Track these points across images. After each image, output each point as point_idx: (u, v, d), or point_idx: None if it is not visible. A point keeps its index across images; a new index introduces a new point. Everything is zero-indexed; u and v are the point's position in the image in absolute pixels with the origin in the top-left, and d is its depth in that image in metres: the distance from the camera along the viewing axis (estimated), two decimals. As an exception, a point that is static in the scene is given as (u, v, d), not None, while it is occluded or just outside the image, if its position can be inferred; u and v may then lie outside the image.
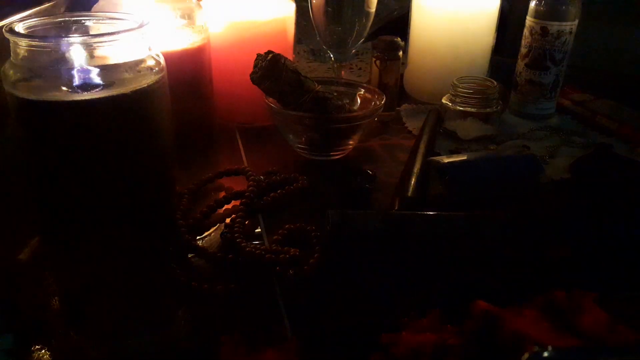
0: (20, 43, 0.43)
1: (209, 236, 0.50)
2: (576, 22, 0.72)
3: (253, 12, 0.67)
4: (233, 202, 0.55)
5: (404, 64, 0.84)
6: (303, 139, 0.63)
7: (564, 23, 0.71)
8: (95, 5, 0.58)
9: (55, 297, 0.42)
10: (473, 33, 0.79)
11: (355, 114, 0.64)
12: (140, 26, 0.46)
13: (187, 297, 0.42)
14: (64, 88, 0.43)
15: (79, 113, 0.44)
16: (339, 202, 0.55)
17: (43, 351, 0.36)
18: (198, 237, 0.50)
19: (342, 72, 0.77)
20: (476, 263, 0.44)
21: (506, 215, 0.45)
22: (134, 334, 0.39)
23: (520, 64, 0.76)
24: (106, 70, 0.44)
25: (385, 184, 0.58)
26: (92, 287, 0.43)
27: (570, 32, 0.72)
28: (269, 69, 0.57)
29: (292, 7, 0.71)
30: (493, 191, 0.54)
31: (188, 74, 0.61)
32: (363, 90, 0.68)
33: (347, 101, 0.66)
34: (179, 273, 0.43)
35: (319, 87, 0.61)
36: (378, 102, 0.64)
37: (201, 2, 0.63)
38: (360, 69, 1.00)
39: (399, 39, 0.73)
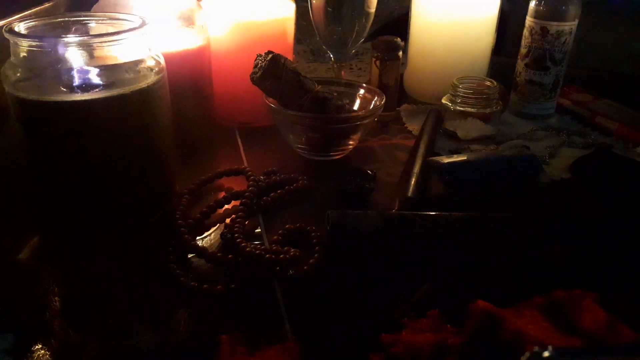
0: (20, 43, 0.43)
1: (209, 236, 0.50)
2: (576, 22, 0.72)
3: (253, 12, 0.67)
4: (233, 202, 0.55)
5: (404, 64, 0.84)
6: (303, 139, 0.63)
7: (564, 23, 0.71)
8: (95, 5, 0.58)
9: (55, 297, 0.42)
10: (473, 33, 0.79)
11: (355, 114, 0.64)
12: (141, 26, 0.46)
13: (187, 297, 0.42)
14: (63, 88, 0.43)
15: (79, 113, 0.44)
16: (339, 202, 0.55)
17: (43, 351, 0.36)
18: (198, 237, 0.50)
19: (342, 72, 0.77)
20: (476, 263, 0.44)
21: (506, 215, 0.45)
22: (134, 334, 0.39)
23: (520, 64, 0.76)
24: (106, 70, 0.45)
25: (385, 184, 0.58)
26: (93, 286, 0.43)
27: (570, 32, 0.72)
28: (269, 69, 0.57)
29: (292, 7, 0.71)
30: (493, 191, 0.54)
31: (188, 75, 0.61)
32: (363, 90, 0.68)
33: (347, 101, 0.66)
34: (179, 273, 0.43)
35: (319, 87, 0.61)
36: (378, 102, 0.64)
37: (201, 3, 0.63)
38: (360, 69, 1.00)
39: (399, 39, 0.73)
